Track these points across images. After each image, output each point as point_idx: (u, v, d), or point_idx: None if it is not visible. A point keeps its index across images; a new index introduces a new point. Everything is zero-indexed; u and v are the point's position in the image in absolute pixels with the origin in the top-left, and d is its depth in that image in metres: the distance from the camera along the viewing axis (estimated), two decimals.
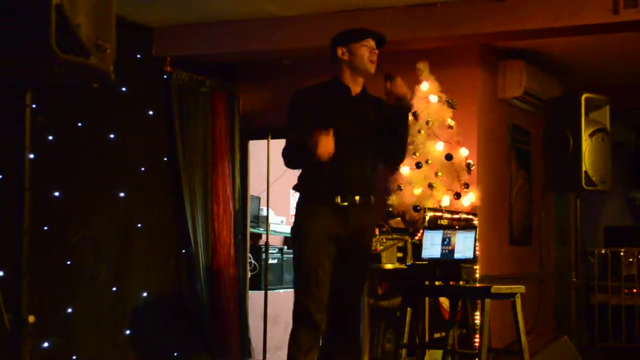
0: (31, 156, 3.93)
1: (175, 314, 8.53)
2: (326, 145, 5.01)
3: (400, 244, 7.18)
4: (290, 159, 5.45)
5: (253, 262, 9.76)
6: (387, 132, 5.43)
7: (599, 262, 10.35)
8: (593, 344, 9.95)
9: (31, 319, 4.10)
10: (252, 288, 9.47)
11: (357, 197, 5.32)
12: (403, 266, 7.09)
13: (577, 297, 8.32)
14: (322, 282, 5.24)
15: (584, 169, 7.72)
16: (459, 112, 7.93)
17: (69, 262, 7.46)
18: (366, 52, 5.39)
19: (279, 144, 9.64)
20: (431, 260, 6.45)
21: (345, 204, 5.29)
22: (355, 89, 5.46)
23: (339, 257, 5.36)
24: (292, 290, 10.34)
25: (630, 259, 10.36)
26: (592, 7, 7.10)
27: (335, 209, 5.29)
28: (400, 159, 5.68)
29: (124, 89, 8.00)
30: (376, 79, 5.54)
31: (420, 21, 7.62)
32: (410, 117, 7.73)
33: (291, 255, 10.62)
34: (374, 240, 6.86)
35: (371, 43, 5.43)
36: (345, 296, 5.42)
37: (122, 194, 8.03)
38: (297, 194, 5.59)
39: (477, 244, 6.82)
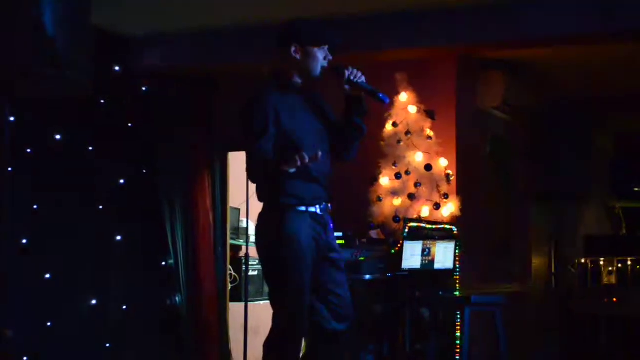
0: (9, 169, 3.92)
1: (156, 326, 8.50)
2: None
3: (380, 255, 7.17)
4: (258, 174, 5.05)
5: (233, 273, 9.73)
6: (344, 124, 5.03)
7: (578, 271, 10.36)
8: (573, 354, 9.96)
9: (8, 333, 4.08)
10: (233, 300, 9.44)
11: (329, 204, 4.99)
12: (383, 277, 7.08)
13: (557, 306, 8.34)
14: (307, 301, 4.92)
15: (562, 178, 7.75)
16: (438, 122, 7.93)
17: (47, 276, 7.42)
18: (322, 57, 4.89)
19: None
20: (411, 271, 6.46)
21: (321, 213, 4.94)
22: (302, 88, 4.99)
23: (324, 266, 4.96)
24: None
25: (610, 268, 10.38)
26: (570, 19, 7.14)
27: (314, 218, 4.91)
28: (352, 153, 5.14)
29: (102, 101, 7.97)
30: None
31: (398, 31, 7.64)
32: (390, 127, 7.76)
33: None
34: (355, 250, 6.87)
35: (326, 49, 4.91)
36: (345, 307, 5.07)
37: (100, 207, 8.00)
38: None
39: (457, 254, 6.83)
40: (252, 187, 8.94)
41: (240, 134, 5.01)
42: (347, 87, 4.87)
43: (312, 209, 4.89)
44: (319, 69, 4.87)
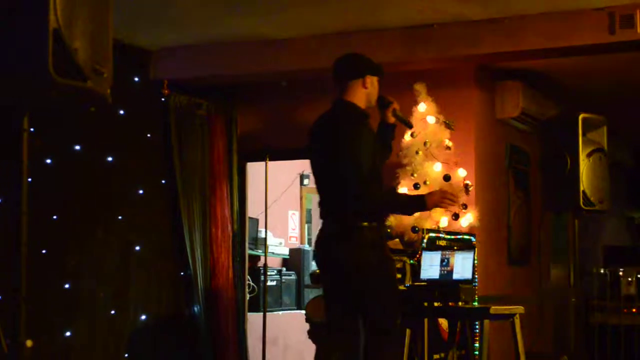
0: (29, 180, 3.93)
1: (174, 337, 8.51)
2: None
3: (398, 265, 7.17)
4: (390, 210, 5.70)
5: (251, 284, 9.74)
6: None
7: (597, 282, 10.32)
8: None
9: (29, 343, 4.09)
10: (251, 310, 9.45)
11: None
12: (402, 287, 7.07)
13: (576, 317, 8.30)
14: None
15: (581, 189, 7.73)
16: (457, 132, 7.92)
17: (67, 286, 7.44)
18: (377, 87, 5.44)
19: (277, 166, 9.70)
20: (430, 281, 6.44)
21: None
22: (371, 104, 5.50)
23: None
24: (290, 312, 10.35)
25: (630, 279, 10.33)
26: (588, 28, 7.13)
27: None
28: None
29: (121, 112, 8.01)
30: None
31: (417, 43, 7.65)
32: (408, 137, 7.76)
33: (290, 277, 10.67)
34: None
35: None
36: None
37: (120, 217, 8.02)
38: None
39: (475, 264, 6.81)
40: (271, 197, 9.00)
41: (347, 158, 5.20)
42: (391, 115, 5.51)
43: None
44: (374, 96, 5.44)
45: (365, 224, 5.18)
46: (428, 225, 7.44)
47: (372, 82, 5.37)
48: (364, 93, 5.37)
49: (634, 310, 10.14)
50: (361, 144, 5.17)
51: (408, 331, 6.51)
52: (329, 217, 5.31)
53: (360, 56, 5.51)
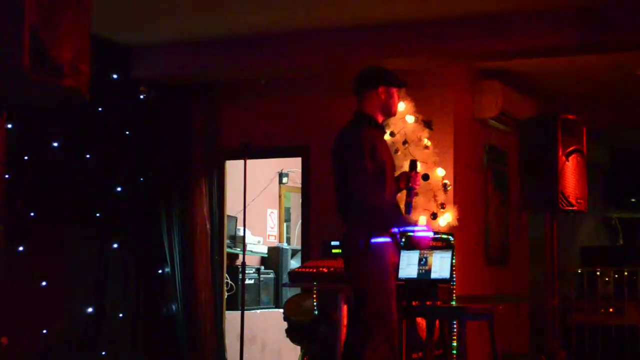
0: (6, 177, 3.91)
1: (152, 335, 8.49)
2: None
3: None
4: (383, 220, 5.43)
5: (230, 282, 9.73)
6: None
7: (575, 282, 10.36)
8: None
9: (4, 340, 4.07)
10: (229, 308, 9.43)
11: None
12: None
13: (553, 317, 8.33)
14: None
15: (559, 189, 7.75)
16: (436, 132, 7.94)
17: (44, 283, 7.41)
18: (397, 98, 5.52)
19: (256, 164, 9.69)
20: (408, 280, 6.45)
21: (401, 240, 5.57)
22: (393, 114, 5.65)
23: None
24: (268, 310, 10.35)
25: (607, 279, 10.38)
26: (566, 29, 7.15)
27: (396, 244, 5.44)
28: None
29: (100, 109, 7.98)
30: None
31: (394, 41, 7.65)
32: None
33: (268, 275, 10.66)
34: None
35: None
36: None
37: (97, 215, 8.00)
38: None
39: (453, 264, 6.82)
40: (249, 195, 8.97)
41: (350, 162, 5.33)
42: (406, 184, 5.59)
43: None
44: (396, 108, 5.56)
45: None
46: None
47: (388, 92, 5.45)
48: (379, 103, 5.46)
49: (611, 310, 10.19)
50: (362, 147, 5.27)
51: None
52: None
53: (376, 68, 5.63)
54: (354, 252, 5.32)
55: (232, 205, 9.69)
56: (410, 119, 7.78)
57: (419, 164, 5.67)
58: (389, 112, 5.54)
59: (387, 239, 5.31)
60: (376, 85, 5.45)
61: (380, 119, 5.49)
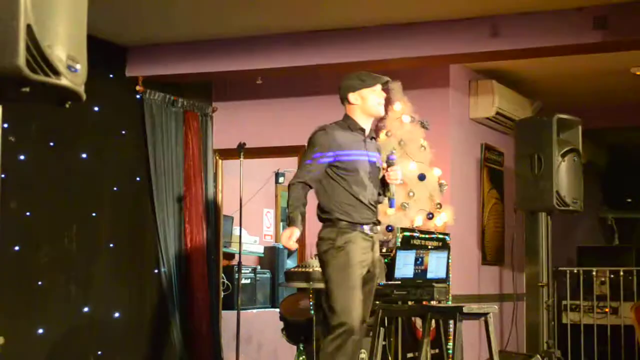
0: (3, 176, 3.91)
1: (147, 334, 8.49)
2: (287, 239, 5.33)
3: None
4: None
5: (226, 282, 9.72)
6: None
7: (571, 281, 10.37)
8: None
9: (1, 340, 4.07)
10: (225, 308, 9.43)
11: (378, 227, 5.61)
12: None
13: (549, 316, 8.34)
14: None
15: (555, 189, 7.77)
16: (432, 132, 7.95)
17: (40, 283, 7.41)
18: (376, 97, 5.55)
19: (252, 164, 9.69)
20: (404, 280, 6.45)
21: (373, 234, 5.53)
22: (367, 128, 5.64)
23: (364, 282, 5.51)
24: (264, 310, 10.34)
25: (602, 279, 10.39)
26: (562, 29, 7.16)
27: (365, 238, 5.48)
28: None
29: (96, 108, 7.98)
30: None
31: (391, 41, 7.65)
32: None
33: (265, 275, 10.66)
34: None
35: (379, 87, 5.58)
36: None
37: (94, 214, 8.00)
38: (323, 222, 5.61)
39: (449, 263, 6.83)
40: (246, 195, 8.98)
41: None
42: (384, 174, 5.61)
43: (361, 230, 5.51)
44: (377, 108, 5.59)
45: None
46: (403, 224, 7.45)
47: (359, 96, 5.54)
48: (356, 109, 5.58)
49: (606, 310, 10.20)
50: (310, 146, 5.51)
51: (382, 330, 6.52)
52: None
53: (344, 78, 5.69)
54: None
55: (229, 205, 9.69)
56: (407, 119, 7.79)
57: (394, 157, 5.64)
58: (371, 113, 5.61)
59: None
60: (345, 95, 5.58)
61: (365, 121, 5.60)
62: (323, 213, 5.51)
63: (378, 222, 5.64)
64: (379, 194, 5.65)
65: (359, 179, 5.47)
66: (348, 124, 5.56)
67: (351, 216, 5.43)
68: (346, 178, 5.45)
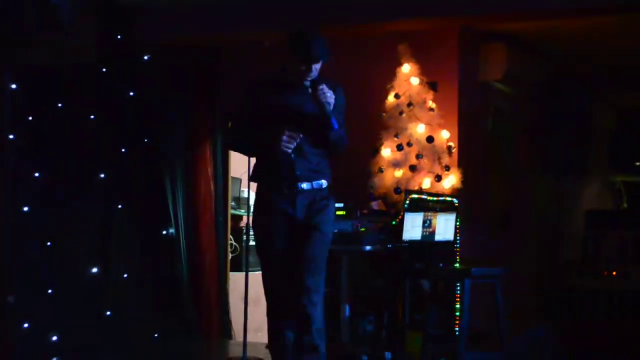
0: (11, 137, 3.92)
1: (156, 295, 8.52)
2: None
3: (381, 226, 7.18)
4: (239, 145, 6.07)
5: (234, 243, 9.74)
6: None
7: (579, 245, 10.38)
8: (573, 326, 9.99)
9: (11, 299, 4.09)
10: (233, 269, 9.46)
11: (304, 185, 5.43)
12: (384, 248, 7.09)
13: (557, 280, 8.36)
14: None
15: (563, 152, 7.76)
16: (440, 94, 7.92)
17: (49, 243, 7.43)
18: (299, 65, 5.44)
19: None
20: (412, 242, 6.46)
21: (292, 191, 5.47)
22: (300, 80, 5.48)
23: (293, 241, 5.49)
24: None
25: (611, 243, 10.40)
26: None
27: (284, 196, 5.51)
28: (334, 153, 5.54)
29: (104, 69, 7.95)
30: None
31: (400, 3, 7.62)
32: (392, 99, 7.75)
33: None
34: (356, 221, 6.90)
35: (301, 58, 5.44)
36: (303, 277, 5.42)
37: (102, 175, 7.99)
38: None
39: (457, 226, 6.83)
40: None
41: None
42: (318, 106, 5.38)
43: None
44: (296, 75, 5.47)
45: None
46: (411, 186, 7.45)
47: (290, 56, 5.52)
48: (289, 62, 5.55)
49: (614, 273, 10.22)
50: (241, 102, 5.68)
51: (390, 291, 6.54)
52: None
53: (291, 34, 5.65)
54: None
55: (237, 167, 9.69)
56: (415, 80, 7.76)
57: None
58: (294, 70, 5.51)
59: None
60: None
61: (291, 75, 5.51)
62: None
63: None
64: None
65: None
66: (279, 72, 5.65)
67: None
68: None
